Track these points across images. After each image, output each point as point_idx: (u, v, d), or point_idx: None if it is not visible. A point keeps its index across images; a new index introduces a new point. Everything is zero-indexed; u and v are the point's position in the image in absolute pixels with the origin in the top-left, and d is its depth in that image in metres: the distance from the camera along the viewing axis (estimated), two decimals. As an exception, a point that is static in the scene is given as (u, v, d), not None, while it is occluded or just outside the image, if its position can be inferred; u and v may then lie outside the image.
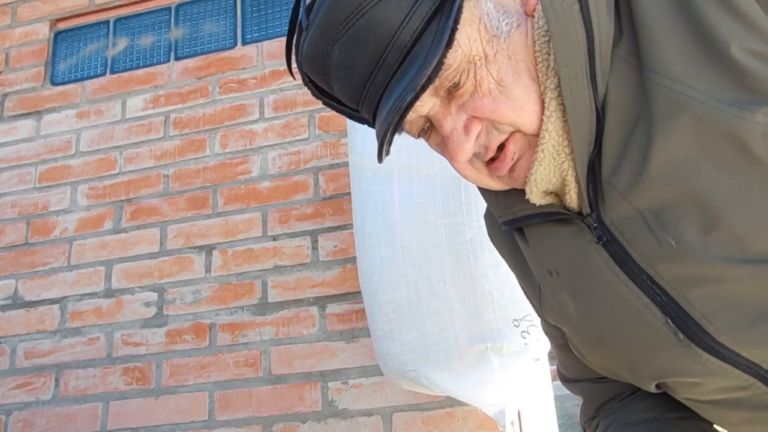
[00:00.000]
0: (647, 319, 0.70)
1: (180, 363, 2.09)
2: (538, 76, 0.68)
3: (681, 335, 0.68)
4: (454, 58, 0.65)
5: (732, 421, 0.78)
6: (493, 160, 0.72)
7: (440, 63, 0.62)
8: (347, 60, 0.66)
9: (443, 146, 0.73)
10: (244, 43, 2.44)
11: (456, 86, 0.67)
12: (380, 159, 0.68)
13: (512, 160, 0.71)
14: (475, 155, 0.72)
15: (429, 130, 0.73)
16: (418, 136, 0.75)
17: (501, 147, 0.70)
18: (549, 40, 0.67)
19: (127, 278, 2.22)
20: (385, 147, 0.67)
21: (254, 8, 2.48)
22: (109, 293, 2.22)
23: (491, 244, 0.96)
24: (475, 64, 0.67)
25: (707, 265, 0.65)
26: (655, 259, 0.67)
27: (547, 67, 0.68)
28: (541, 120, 0.68)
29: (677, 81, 0.62)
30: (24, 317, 2.25)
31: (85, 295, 2.24)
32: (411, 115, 0.70)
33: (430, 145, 0.76)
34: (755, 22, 0.60)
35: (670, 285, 0.68)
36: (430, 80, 0.62)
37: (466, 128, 0.69)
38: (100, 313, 2.20)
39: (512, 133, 0.70)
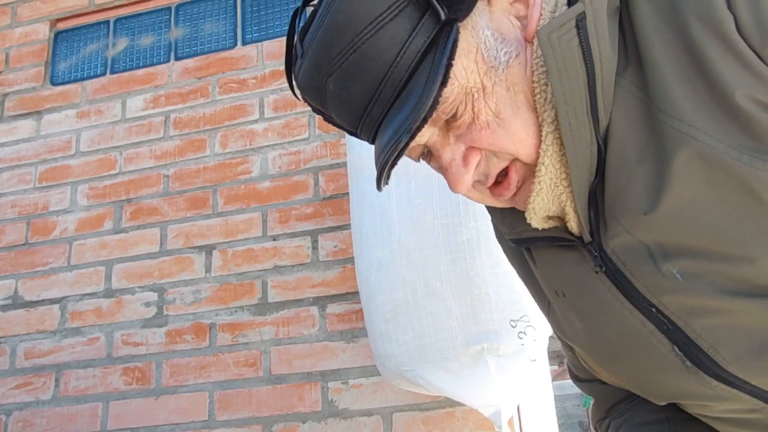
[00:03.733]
0: (654, 346, 0.70)
1: (180, 363, 2.09)
2: (536, 108, 0.66)
3: (688, 362, 0.68)
4: (451, 91, 0.63)
5: None
6: (497, 183, 0.70)
7: (436, 101, 0.60)
8: (342, 93, 0.65)
9: (442, 171, 0.72)
10: (244, 43, 2.44)
11: (454, 117, 0.66)
12: (379, 188, 0.67)
13: (516, 187, 0.70)
14: (477, 182, 0.70)
15: (428, 154, 0.72)
16: (418, 160, 0.73)
17: (504, 172, 0.69)
18: (547, 71, 0.65)
19: (127, 278, 2.22)
20: (383, 179, 0.65)
21: (254, 8, 2.48)
22: (109, 293, 2.22)
23: (488, 243, 0.96)
24: (473, 96, 0.65)
25: (714, 298, 0.64)
26: (660, 290, 0.67)
27: (545, 99, 0.65)
28: (539, 152, 0.66)
29: (685, 122, 0.61)
30: (24, 317, 2.25)
31: (85, 295, 2.24)
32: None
33: (431, 167, 0.75)
34: (761, 72, 0.59)
35: (676, 315, 0.67)
36: (425, 120, 0.60)
37: (465, 159, 0.68)
38: (100, 313, 2.20)
39: (512, 162, 0.68)
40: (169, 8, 2.57)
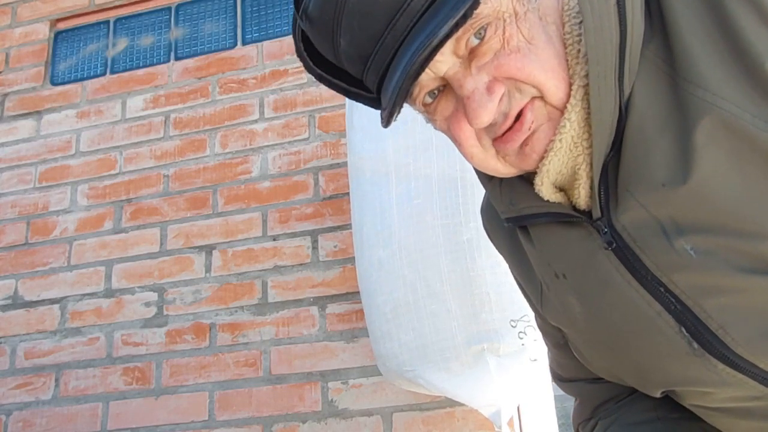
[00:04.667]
0: (660, 327, 0.68)
1: (180, 363, 2.09)
2: (566, 53, 0.64)
3: (695, 344, 0.66)
4: (482, 9, 0.61)
5: (741, 429, 0.76)
6: (508, 131, 0.67)
7: (470, 10, 0.57)
8: (365, 4, 0.61)
9: (452, 119, 0.68)
10: (244, 43, 2.44)
11: (480, 42, 0.63)
12: (389, 120, 0.63)
13: (529, 130, 0.66)
14: (490, 126, 0.67)
15: (438, 97, 0.68)
16: (424, 108, 0.70)
17: (518, 118, 0.66)
18: (581, 22, 0.64)
19: (127, 278, 2.22)
20: (399, 99, 0.61)
21: (254, 8, 2.48)
22: (109, 293, 2.22)
23: (489, 243, 0.94)
24: (504, 20, 0.63)
25: (727, 276, 0.62)
26: (671, 267, 0.65)
27: (578, 51, 0.64)
28: (568, 93, 0.64)
29: (710, 91, 0.60)
30: (24, 317, 2.25)
31: (85, 295, 2.24)
32: (426, 75, 0.65)
33: (433, 122, 0.71)
34: None
35: (686, 294, 0.65)
36: (465, 17, 0.57)
37: (489, 89, 0.64)
38: (100, 313, 2.20)
39: (532, 100, 0.65)
40: (169, 8, 2.57)
